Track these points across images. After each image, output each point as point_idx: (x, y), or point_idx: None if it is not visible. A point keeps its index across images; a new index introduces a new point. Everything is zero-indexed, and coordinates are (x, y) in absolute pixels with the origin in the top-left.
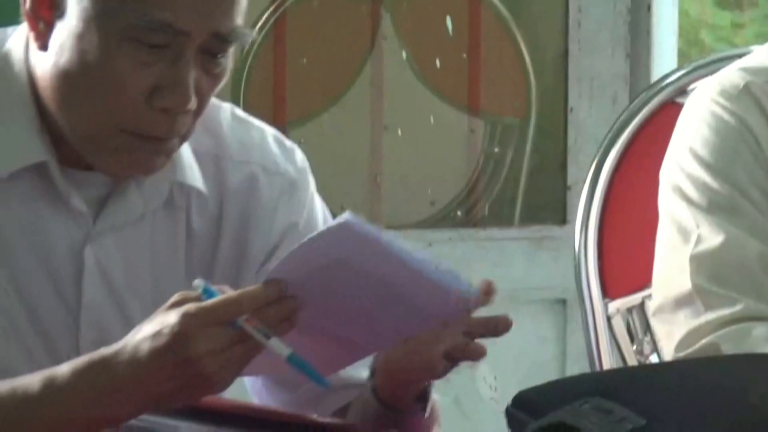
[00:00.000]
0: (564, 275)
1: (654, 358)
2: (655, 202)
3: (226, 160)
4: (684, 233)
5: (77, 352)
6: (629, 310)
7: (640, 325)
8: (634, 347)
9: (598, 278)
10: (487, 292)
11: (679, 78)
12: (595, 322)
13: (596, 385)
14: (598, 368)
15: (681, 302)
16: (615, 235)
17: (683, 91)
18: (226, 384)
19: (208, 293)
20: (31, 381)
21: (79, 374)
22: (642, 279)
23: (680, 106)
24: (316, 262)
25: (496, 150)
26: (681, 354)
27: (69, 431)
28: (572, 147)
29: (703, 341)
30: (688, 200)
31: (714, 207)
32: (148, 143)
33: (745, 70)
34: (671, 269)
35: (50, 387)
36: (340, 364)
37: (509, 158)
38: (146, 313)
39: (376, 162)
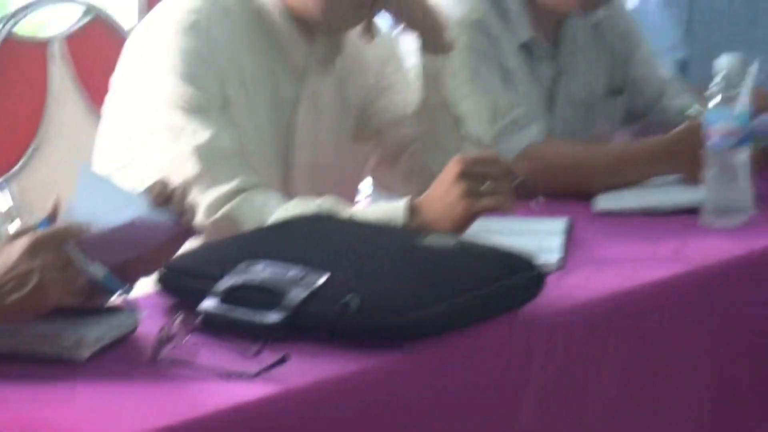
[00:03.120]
0: None
1: None
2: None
3: None
4: (174, 131)
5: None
6: None
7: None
8: None
9: None
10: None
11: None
12: None
13: (241, 248)
14: None
15: (192, 182)
16: None
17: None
18: (51, 298)
19: (43, 224)
20: None
21: None
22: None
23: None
24: None
25: None
26: (210, 220)
27: None
28: None
29: (222, 210)
30: (172, 105)
31: (193, 109)
32: None
33: (192, 10)
34: (175, 159)
35: None
36: None
37: None
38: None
39: None
